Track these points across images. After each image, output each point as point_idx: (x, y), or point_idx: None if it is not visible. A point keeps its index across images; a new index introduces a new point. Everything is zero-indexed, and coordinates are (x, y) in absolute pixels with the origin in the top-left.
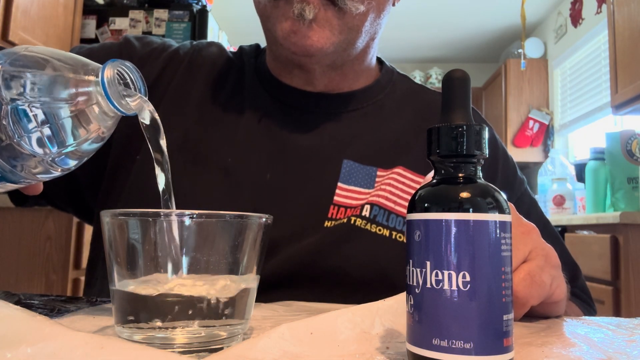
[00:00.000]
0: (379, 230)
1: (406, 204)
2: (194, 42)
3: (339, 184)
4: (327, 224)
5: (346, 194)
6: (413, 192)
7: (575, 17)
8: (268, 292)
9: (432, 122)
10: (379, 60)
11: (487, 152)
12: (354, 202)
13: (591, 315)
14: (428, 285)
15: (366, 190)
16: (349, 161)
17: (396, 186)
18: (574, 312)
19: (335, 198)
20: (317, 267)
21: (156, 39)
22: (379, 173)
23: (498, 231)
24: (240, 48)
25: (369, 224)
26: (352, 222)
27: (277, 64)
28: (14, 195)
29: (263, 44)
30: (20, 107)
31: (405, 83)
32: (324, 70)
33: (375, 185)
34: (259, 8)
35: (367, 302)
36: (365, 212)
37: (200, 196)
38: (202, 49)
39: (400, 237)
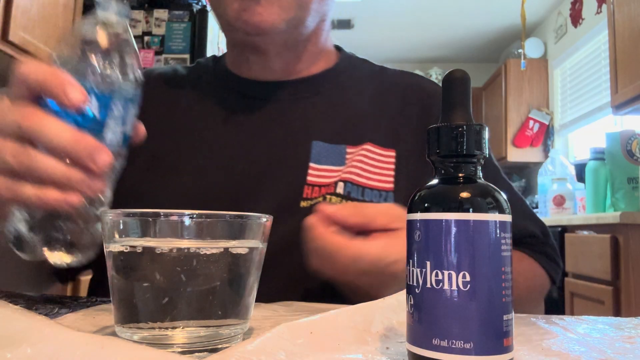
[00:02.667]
0: None
1: (378, 177)
2: (147, 68)
3: (311, 164)
4: (303, 204)
5: (319, 173)
6: (383, 166)
7: (575, 17)
8: None
9: (395, 99)
10: (338, 48)
11: (487, 152)
12: (327, 180)
13: (555, 273)
14: (428, 285)
15: (337, 168)
16: (318, 142)
17: (366, 162)
18: (534, 268)
19: (309, 178)
20: (296, 247)
21: None
22: (348, 150)
23: (498, 231)
24: (197, 62)
25: (344, 201)
26: (328, 200)
27: (235, 56)
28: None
29: None
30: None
31: (366, 65)
32: (278, 51)
33: (346, 162)
34: None
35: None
36: (339, 189)
37: (175, 203)
38: (152, 71)
39: None
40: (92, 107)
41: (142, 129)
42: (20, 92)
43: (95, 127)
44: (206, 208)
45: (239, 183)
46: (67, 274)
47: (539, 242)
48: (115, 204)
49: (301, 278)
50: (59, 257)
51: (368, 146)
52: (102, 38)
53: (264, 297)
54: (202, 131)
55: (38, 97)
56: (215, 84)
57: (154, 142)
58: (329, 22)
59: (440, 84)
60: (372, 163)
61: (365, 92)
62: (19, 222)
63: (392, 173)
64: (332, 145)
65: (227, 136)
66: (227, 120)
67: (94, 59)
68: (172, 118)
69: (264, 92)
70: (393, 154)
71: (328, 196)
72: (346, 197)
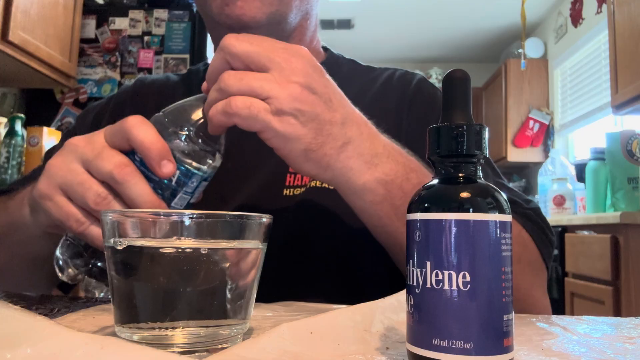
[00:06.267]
0: None
1: None
2: (141, 76)
3: None
4: (286, 192)
5: None
6: None
7: (576, 17)
8: None
9: (376, 90)
10: (326, 49)
11: (487, 152)
12: None
13: (545, 245)
14: (428, 285)
15: None
16: None
17: None
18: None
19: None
20: (279, 235)
21: (93, 105)
22: None
23: (498, 231)
24: (189, 70)
25: (325, 183)
26: (310, 185)
27: None
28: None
29: None
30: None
31: (352, 64)
32: None
33: None
34: None
35: (327, 253)
36: None
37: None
38: (145, 79)
39: None
40: (174, 179)
41: (201, 196)
42: (119, 140)
43: (170, 194)
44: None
45: (227, 177)
46: (70, 286)
47: (521, 206)
48: None
49: (283, 266)
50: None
51: None
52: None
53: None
54: None
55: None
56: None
57: None
58: (314, 20)
59: (440, 84)
60: None
61: (349, 87)
62: (67, 249)
63: None
64: None
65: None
66: None
67: (193, 140)
68: None
69: None
70: None
71: (311, 183)
72: None
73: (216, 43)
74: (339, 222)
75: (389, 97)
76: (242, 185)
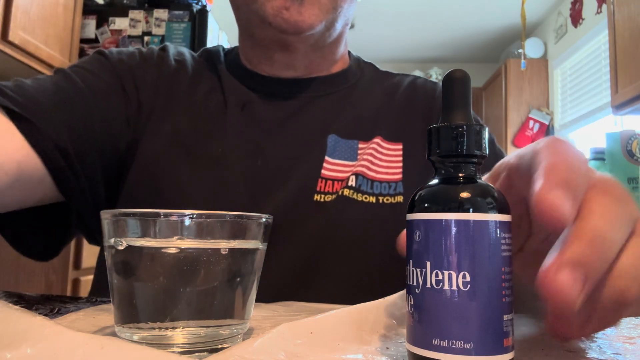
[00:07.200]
0: (365, 198)
1: (386, 171)
2: (161, 46)
3: (326, 158)
4: (317, 197)
5: (333, 167)
6: (391, 159)
7: (576, 17)
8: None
9: (401, 98)
10: (348, 51)
11: (487, 152)
12: (341, 175)
13: None
14: (428, 285)
15: (350, 163)
16: (333, 136)
17: (376, 156)
18: None
19: (323, 172)
20: (308, 241)
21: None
22: (360, 146)
23: (498, 231)
24: (204, 50)
25: (355, 194)
26: (341, 193)
27: (256, 53)
28: (39, 251)
29: None
30: None
31: (372, 68)
32: (306, 51)
33: (358, 157)
34: None
35: (353, 264)
36: (352, 182)
37: (193, 188)
38: (169, 48)
39: (387, 199)
40: None
41: None
42: None
43: None
44: (223, 197)
45: (257, 178)
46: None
47: None
48: (136, 174)
49: (311, 272)
50: None
51: (378, 140)
52: None
53: (273, 290)
54: (223, 118)
55: None
56: (230, 76)
57: (175, 118)
58: (348, 28)
59: (441, 84)
60: (381, 157)
61: (373, 92)
62: None
63: (400, 165)
64: (345, 140)
65: (246, 128)
66: (245, 112)
67: None
68: (193, 98)
69: (285, 89)
70: (400, 147)
71: (341, 190)
72: (357, 189)
73: (255, 41)
74: (365, 231)
75: (415, 103)
76: (274, 188)
